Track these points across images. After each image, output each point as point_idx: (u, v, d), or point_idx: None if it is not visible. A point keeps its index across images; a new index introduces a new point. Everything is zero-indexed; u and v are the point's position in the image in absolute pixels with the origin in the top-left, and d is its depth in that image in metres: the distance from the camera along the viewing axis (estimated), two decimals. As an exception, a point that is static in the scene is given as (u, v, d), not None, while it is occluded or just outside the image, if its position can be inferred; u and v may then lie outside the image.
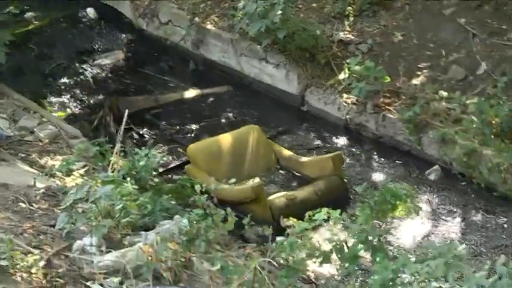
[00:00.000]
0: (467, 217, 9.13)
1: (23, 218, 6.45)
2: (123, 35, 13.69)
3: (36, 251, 5.52)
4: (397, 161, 10.32)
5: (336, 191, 9.37)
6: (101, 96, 11.89)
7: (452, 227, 8.96)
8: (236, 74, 12.35)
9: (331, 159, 9.43)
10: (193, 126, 11.16)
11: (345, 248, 7.68)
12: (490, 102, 9.83)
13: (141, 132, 10.85)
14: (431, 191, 9.61)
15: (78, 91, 12.05)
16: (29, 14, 13.78)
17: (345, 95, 11.10)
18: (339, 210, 8.26)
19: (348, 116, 10.96)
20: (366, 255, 6.58)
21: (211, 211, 6.20)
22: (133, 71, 12.71)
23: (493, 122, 9.51)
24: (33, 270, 5.24)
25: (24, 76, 12.21)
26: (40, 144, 9.20)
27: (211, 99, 11.90)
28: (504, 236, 8.71)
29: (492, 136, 9.47)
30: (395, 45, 11.73)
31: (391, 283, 4.91)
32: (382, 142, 10.63)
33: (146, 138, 10.69)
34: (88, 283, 5.13)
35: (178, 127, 11.15)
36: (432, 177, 9.77)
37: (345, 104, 11.03)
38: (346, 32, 12.13)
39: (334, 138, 10.95)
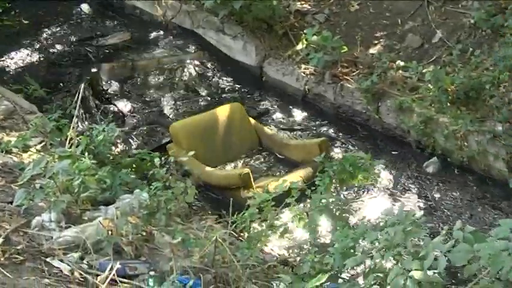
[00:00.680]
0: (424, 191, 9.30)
1: (-21, 195, 6.37)
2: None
3: (-6, 229, 5.46)
4: (355, 133, 10.41)
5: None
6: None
7: (410, 197, 9.10)
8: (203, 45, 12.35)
9: (318, 145, 9.17)
10: (167, 97, 11.20)
11: (305, 218, 7.76)
12: (446, 69, 9.95)
13: (119, 107, 10.83)
14: (387, 160, 9.71)
15: (74, 68, 11.92)
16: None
17: (303, 66, 11.13)
18: (299, 182, 8.36)
19: (306, 87, 10.98)
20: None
21: (170, 184, 6.19)
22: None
23: (449, 89, 9.60)
24: (-9, 248, 5.18)
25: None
26: (-5, 120, 9.05)
27: (187, 66, 11.87)
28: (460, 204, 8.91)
29: (448, 104, 9.58)
30: (352, 14, 11.76)
31: (351, 251, 4.96)
32: (340, 112, 10.69)
33: (126, 117, 10.64)
34: (48, 259, 5.09)
35: (154, 101, 11.14)
36: (430, 170, 9.47)
37: (303, 75, 11.05)
38: (303, 2, 12.14)
39: (293, 108, 10.98)
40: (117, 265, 4.87)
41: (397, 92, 10.13)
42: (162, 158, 7.07)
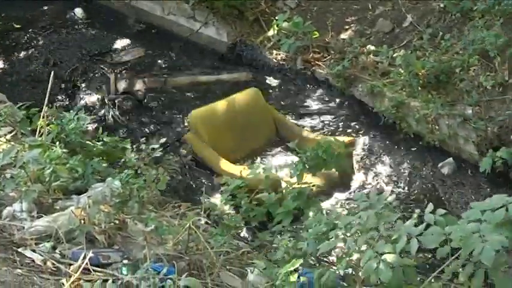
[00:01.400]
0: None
1: (-52, 186, 6.28)
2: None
3: (-35, 220, 5.40)
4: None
5: (347, 178, 8.93)
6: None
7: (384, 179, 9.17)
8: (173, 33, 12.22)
9: (344, 144, 8.64)
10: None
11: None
12: (417, 54, 10.00)
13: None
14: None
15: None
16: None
17: (274, 52, 11.11)
18: (272, 168, 8.36)
19: (279, 73, 11.02)
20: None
21: (142, 171, 6.16)
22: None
23: (420, 73, 9.66)
24: (-38, 239, 5.13)
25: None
26: (-38, 110, 8.91)
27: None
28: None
29: (419, 88, 9.63)
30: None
31: (324, 236, 4.98)
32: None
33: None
34: (20, 249, 5.04)
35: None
36: (445, 171, 9.21)
37: (275, 61, 11.04)
38: (273, -12, 12.09)
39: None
40: (90, 254, 4.83)
41: (369, 76, 10.17)
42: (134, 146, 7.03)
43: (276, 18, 11.11)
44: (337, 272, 4.78)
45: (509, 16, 9.76)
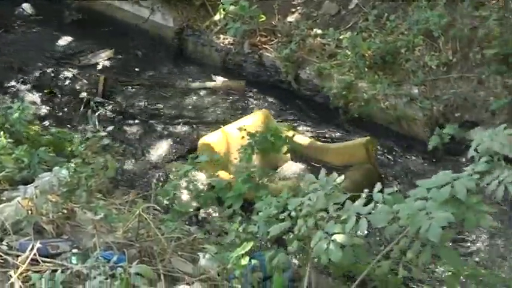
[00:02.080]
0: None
1: None
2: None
3: None
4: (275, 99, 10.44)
5: (371, 182, 8.39)
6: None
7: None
8: (119, 19, 12.08)
9: (364, 145, 8.37)
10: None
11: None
12: (363, 35, 10.08)
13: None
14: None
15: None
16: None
17: (221, 36, 11.07)
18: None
19: (226, 57, 10.96)
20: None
21: (89, 160, 6.09)
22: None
23: (366, 55, 9.74)
24: None
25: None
26: None
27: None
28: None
29: (366, 69, 9.71)
30: (269, -18, 11.73)
31: (275, 219, 4.99)
32: (260, 81, 10.71)
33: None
34: (-35, 243, 4.95)
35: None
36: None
37: (222, 45, 11.01)
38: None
39: (214, 79, 10.93)
40: (38, 245, 4.76)
41: (316, 59, 10.21)
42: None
43: (222, 2, 11.06)
44: (288, 254, 4.80)
45: (452, -4, 9.89)
